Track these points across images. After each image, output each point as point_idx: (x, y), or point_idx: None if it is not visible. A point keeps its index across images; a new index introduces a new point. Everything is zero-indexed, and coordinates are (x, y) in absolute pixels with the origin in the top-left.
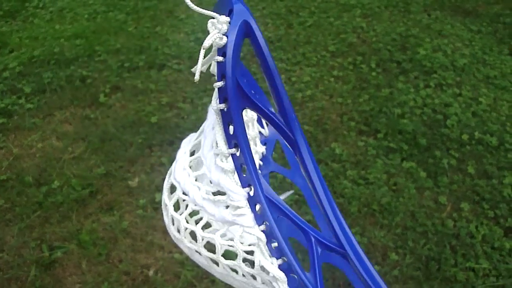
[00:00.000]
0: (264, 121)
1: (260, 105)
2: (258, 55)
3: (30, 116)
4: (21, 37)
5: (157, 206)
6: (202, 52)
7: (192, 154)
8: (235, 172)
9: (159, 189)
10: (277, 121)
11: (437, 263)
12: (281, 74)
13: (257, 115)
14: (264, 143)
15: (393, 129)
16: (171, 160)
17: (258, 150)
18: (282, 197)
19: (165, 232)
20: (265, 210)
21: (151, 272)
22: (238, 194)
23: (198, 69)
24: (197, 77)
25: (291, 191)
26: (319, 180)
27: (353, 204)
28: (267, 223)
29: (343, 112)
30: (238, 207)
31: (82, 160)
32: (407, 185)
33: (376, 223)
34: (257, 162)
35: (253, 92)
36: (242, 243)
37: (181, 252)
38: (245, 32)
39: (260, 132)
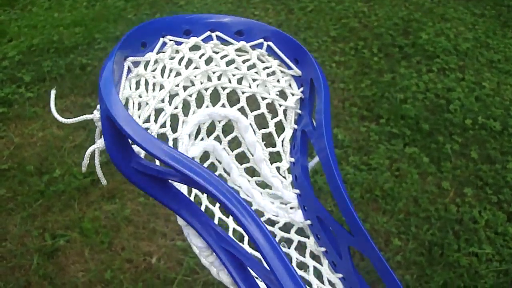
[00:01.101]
0: (288, 61)
1: (165, 178)
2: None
3: (30, 105)
4: (20, 26)
5: None
6: (98, 164)
7: None
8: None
9: None
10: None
11: (440, 248)
12: None
13: (279, 60)
14: (300, 84)
15: (395, 114)
16: None
17: (288, 104)
18: (311, 163)
19: (167, 219)
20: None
21: (153, 260)
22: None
23: (101, 177)
24: (103, 182)
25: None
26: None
27: (356, 190)
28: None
29: (345, 98)
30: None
31: (83, 149)
32: (410, 170)
33: (379, 209)
34: (295, 113)
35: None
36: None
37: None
38: (113, 127)
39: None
